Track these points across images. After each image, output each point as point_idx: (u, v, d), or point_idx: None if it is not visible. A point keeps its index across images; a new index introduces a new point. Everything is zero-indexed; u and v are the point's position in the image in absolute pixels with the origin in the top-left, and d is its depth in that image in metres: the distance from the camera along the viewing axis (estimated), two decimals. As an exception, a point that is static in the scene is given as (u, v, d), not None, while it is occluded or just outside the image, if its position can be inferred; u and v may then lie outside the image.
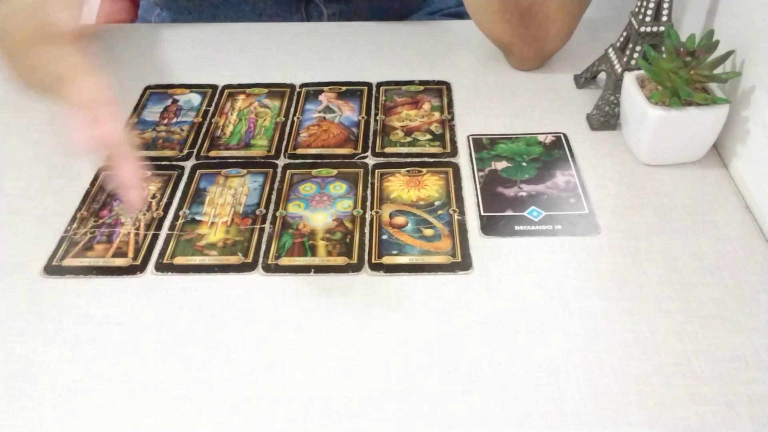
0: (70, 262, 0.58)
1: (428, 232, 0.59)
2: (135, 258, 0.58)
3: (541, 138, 0.69)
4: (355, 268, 0.56)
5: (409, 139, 0.69)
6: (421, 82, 0.77)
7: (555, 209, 0.61)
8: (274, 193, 0.64)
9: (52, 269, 0.57)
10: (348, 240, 0.59)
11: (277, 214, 0.61)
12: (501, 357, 0.50)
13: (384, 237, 0.59)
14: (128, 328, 0.52)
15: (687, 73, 0.60)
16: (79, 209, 0.63)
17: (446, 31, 0.87)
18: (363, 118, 0.72)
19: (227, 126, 0.72)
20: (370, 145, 0.69)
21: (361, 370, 0.49)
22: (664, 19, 0.64)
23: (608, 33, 0.76)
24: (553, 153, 0.67)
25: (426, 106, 0.74)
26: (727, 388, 0.47)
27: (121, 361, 0.50)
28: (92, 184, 0.65)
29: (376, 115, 0.73)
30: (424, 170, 0.65)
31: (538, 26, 0.72)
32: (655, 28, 0.65)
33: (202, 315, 0.53)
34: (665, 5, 0.64)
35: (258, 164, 0.67)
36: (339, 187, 0.64)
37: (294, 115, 0.73)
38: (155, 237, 0.60)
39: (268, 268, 0.57)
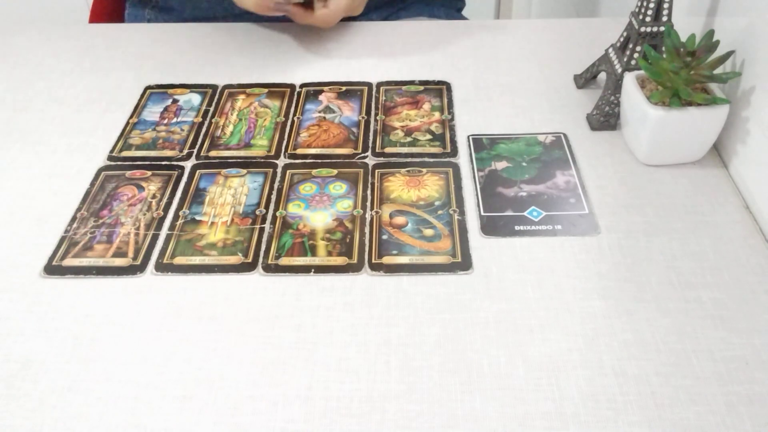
0: (70, 262, 0.58)
1: (428, 232, 0.59)
2: (135, 258, 0.58)
3: (541, 138, 0.69)
4: (355, 268, 0.56)
5: (409, 139, 0.69)
6: (421, 82, 0.77)
7: (555, 209, 0.61)
8: (274, 193, 0.64)
9: (52, 269, 0.57)
10: (348, 240, 0.59)
11: (277, 214, 0.61)
12: (501, 357, 0.50)
13: (384, 237, 0.59)
14: (128, 328, 0.52)
15: (687, 73, 0.60)
16: (79, 209, 0.63)
17: (446, 31, 0.87)
18: (363, 118, 0.72)
19: (227, 126, 0.72)
20: (370, 145, 0.69)
21: (361, 370, 0.49)
22: (664, 19, 0.64)
23: (608, 33, 0.76)
24: (553, 153, 0.67)
25: (426, 106, 0.74)
26: (727, 388, 0.47)
27: (121, 361, 0.50)
28: (92, 184, 0.65)
29: (376, 115, 0.73)
30: (424, 170, 0.65)
31: None
32: (655, 28, 0.65)
33: (202, 315, 0.53)
34: (665, 5, 0.64)
35: (258, 164, 0.67)
36: (339, 187, 0.64)
37: (294, 115, 0.73)
38: (155, 237, 0.60)
39: (268, 268, 0.57)
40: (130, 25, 0.96)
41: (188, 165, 0.67)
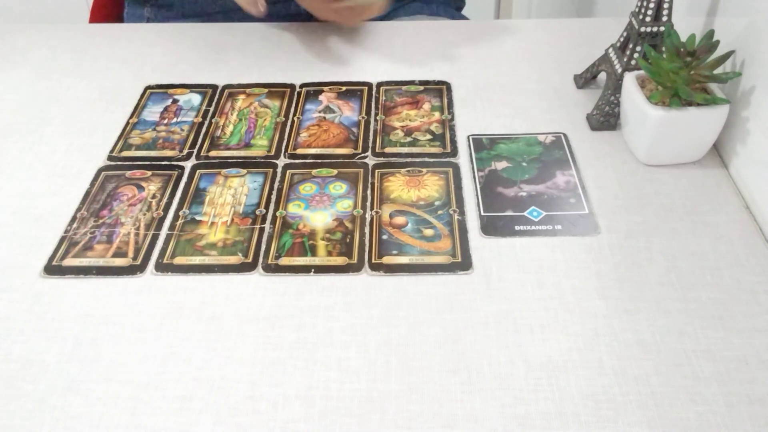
0: (70, 262, 0.58)
1: (428, 232, 0.59)
2: (135, 258, 0.58)
3: (541, 138, 0.69)
4: (355, 268, 0.56)
5: (409, 139, 0.69)
6: (421, 82, 0.77)
7: (555, 209, 0.61)
8: (274, 193, 0.64)
9: (52, 269, 0.57)
10: (348, 240, 0.59)
11: (277, 214, 0.61)
12: (501, 357, 0.50)
13: (384, 237, 0.59)
14: (128, 328, 0.52)
15: (687, 73, 0.60)
16: (79, 209, 0.63)
17: (446, 31, 0.87)
18: (363, 118, 0.72)
19: (227, 126, 0.72)
20: (370, 145, 0.69)
21: (361, 370, 0.49)
22: (664, 19, 0.64)
23: (608, 33, 0.76)
24: (553, 153, 0.67)
25: (426, 106, 0.74)
26: (727, 388, 0.47)
27: (121, 361, 0.50)
28: (92, 184, 0.65)
29: (376, 115, 0.73)
30: (424, 170, 0.65)
31: None
32: (655, 28, 0.65)
33: (202, 315, 0.53)
34: (665, 5, 0.64)
35: (258, 164, 0.67)
36: (339, 187, 0.64)
37: (294, 115, 0.73)
38: (155, 237, 0.60)
39: (268, 268, 0.57)
40: (129, 25, 0.96)
41: (188, 165, 0.67)
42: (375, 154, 0.68)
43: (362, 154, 0.68)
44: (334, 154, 0.68)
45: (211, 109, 0.75)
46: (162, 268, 0.57)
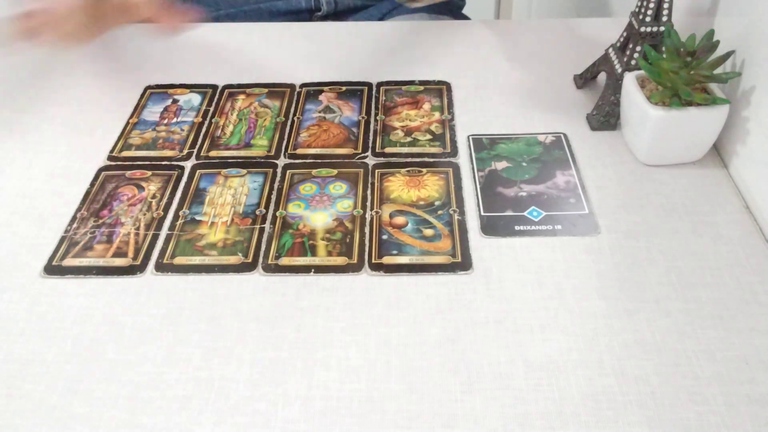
0: (70, 262, 0.58)
1: (428, 232, 0.59)
2: (135, 258, 0.58)
3: (541, 138, 0.69)
4: (355, 268, 0.56)
5: (409, 139, 0.69)
6: (421, 82, 0.77)
7: (555, 209, 0.61)
8: (274, 193, 0.64)
9: (52, 269, 0.57)
10: (348, 240, 0.59)
11: (277, 214, 0.61)
12: (501, 357, 0.50)
13: (384, 237, 0.59)
14: (128, 328, 0.52)
15: (687, 73, 0.60)
16: (79, 209, 0.63)
17: (446, 31, 0.87)
18: (363, 118, 0.72)
19: (227, 126, 0.72)
20: (370, 145, 0.69)
21: (361, 370, 0.49)
22: (664, 19, 0.64)
23: (608, 33, 0.76)
24: (553, 153, 0.67)
25: (426, 106, 0.74)
26: (727, 388, 0.47)
27: (121, 361, 0.50)
28: (92, 184, 0.65)
29: (376, 115, 0.73)
30: (424, 170, 0.65)
31: None
32: (655, 28, 0.65)
33: (202, 315, 0.53)
34: (665, 5, 0.64)
35: (258, 164, 0.67)
36: (339, 187, 0.64)
37: (294, 115, 0.73)
38: (155, 237, 0.60)
39: (268, 268, 0.57)
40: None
41: (188, 165, 0.67)
42: (375, 154, 0.68)
43: (362, 154, 0.68)
44: (334, 154, 0.68)
45: (211, 109, 0.75)
46: (162, 268, 0.57)
